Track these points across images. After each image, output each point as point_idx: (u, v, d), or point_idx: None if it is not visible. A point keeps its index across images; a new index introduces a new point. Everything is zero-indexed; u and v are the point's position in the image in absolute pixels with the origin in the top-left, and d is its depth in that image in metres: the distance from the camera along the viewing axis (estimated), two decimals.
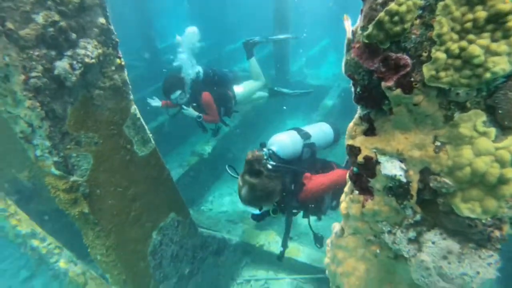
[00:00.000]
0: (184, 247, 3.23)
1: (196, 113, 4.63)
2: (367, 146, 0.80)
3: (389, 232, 0.86)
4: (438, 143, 0.71)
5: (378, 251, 0.91)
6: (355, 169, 0.85)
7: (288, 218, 2.47)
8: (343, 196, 0.98)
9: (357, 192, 0.88)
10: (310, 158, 2.72)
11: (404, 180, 0.76)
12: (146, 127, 2.50)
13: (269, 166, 2.34)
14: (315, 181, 2.45)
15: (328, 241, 1.11)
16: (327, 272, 1.17)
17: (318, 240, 2.65)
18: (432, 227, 0.80)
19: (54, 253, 3.39)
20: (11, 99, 1.73)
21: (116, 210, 2.36)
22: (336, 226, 1.00)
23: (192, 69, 4.62)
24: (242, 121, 6.72)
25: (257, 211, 2.34)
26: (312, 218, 2.81)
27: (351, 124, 0.84)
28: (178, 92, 4.46)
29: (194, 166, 5.49)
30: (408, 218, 0.80)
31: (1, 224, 3.63)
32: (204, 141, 5.84)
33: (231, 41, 10.74)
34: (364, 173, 0.83)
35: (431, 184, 0.73)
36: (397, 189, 0.78)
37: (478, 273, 0.73)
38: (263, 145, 2.68)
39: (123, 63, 2.21)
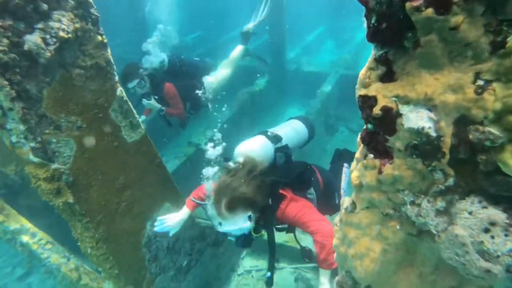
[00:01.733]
0: (180, 239, 3.08)
1: (158, 106, 4.20)
2: (385, 95, 0.64)
3: (412, 203, 0.70)
4: (480, 82, 0.54)
5: (398, 227, 0.75)
6: (369, 126, 0.69)
7: (270, 237, 2.20)
8: (353, 164, 0.82)
9: (371, 156, 0.72)
10: (285, 163, 2.43)
11: (433, 134, 0.60)
12: (134, 111, 2.33)
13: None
14: (291, 210, 2.13)
15: (336, 219, 0.96)
16: (335, 255, 1.02)
17: (306, 254, 2.29)
18: (466, 195, 0.65)
19: (46, 248, 3.25)
20: None
21: (104, 200, 2.20)
22: (346, 201, 0.85)
23: (155, 57, 4.20)
24: (239, 111, 6.55)
25: (236, 231, 2.05)
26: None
27: (363, 70, 0.68)
28: (136, 81, 4.03)
29: (191, 157, 5.35)
30: (437, 183, 0.65)
31: None
32: (200, 132, 5.68)
33: (226, 30, 10.49)
34: (381, 130, 0.67)
35: (470, 137, 0.57)
36: (424, 147, 0.62)
37: None
38: (227, 159, 2.37)
39: (105, 40, 2.03)
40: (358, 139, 0.78)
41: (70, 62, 1.84)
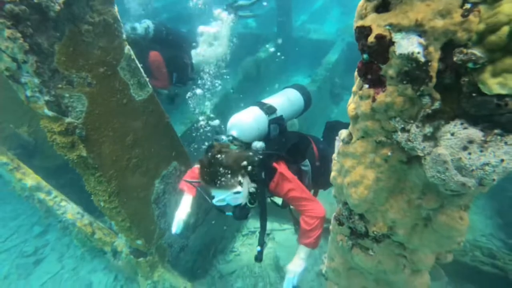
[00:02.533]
0: None
1: None
2: (379, 24, 0.68)
3: (403, 129, 0.77)
4: (468, 6, 0.59)
5: (389, 154, 0.83)
6: (365, 56, 0.74)
7: (262, 210, 2.14)
8: (351, 98, 0.89)
9: (367, 86, 0.78)
10: (280, 135, 2.34)
11: (422, 59, 0.66)
12: (141, 70, 2.38)
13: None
14: (282, 188, 2.08)
15: (333, 155, 1.04)
16: (333, 191, 1.11)
17: None
18: (451, 119, 0.71)
19: (61, 205, 3.44)
20: None
21: (115, 155, 2.31)
22: (343, 133, 0.92)
23: (139, 24, 3.93)
24: (244, 79, 6.53)
25: (230, 200, 2.00)
26: None
27: (360, 3, 0.72)
28: None
29: (196, 123, 5.43)
30: (425, 108, 0.71)
31: (7, 178, 3.66)
32: (207, 99, 5.72)
33: None
34: (376, 59, 0.73)
35: (454, 58, 0.63)
36: (413, 73, 0.68)
37: (502, 161, 0.65)
38: (219, 132, 2.33)
39: None
40: (355, 73, 0.84)
41: (79, 17, 1.87)
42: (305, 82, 7.24)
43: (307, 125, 5.87)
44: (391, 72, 0.71)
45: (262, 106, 2.37)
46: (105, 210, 2.57)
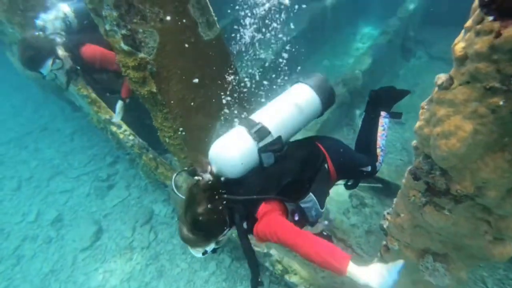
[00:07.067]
0: None
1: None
2: None
3: None
4: None
5: (501, 103, 0.71)
6: None
7: (246, 254, 1.71)
8: (459, 37, 0.76)
9: (491, 18, 0.65)
10: (276, 165, 1.81)
11: None
12: (211, 8, 2.33)
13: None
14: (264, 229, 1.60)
15: (423, 103, 0.94)
16: (414, 142, 1.02)
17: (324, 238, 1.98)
18: None
19: (130, 139, 3.75)
20: None
21: (181, 94, 2.39)
22: (442, 78, 0.81)
23: (53, 19, 3.05)
24: (308, 27, 6.15)
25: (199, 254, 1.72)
26: None
27: None
28: (49, 61, 2.90)
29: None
30: None
31: (86, 110, 4.06)
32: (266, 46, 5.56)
33: None
34: None
35: None
36: None
37: None
38: (193, 171, 1.84)
39: None
40: (474, 4, 0.70)
41: None
42: (375, 34, 6.60)
43: (373, 80, 5.48)
44: None
45: (251, 127, 1.79)
46: (169, 146, 2.75)
